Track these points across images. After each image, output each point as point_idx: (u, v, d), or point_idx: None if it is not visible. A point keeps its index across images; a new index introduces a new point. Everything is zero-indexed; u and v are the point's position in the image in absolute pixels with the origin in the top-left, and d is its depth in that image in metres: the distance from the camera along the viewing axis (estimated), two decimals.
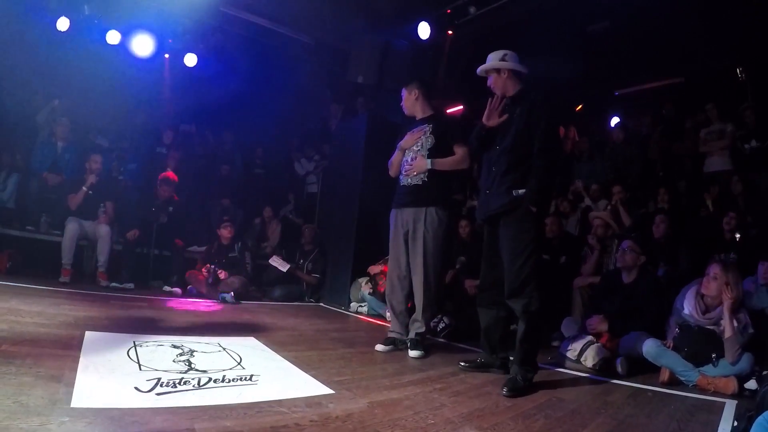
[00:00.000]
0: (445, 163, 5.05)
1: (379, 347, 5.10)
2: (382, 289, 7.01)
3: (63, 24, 9.09)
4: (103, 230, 7.62)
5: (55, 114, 9.37)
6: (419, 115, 5.34)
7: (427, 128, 5.17)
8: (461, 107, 10.81)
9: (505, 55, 4.27)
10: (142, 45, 9.78)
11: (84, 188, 7.69)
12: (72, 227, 7.43)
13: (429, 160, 5.01)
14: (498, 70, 4.27)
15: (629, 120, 10.41)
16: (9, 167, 8.25)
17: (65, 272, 7.20)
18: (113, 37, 9.60)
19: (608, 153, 9.46)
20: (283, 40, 10.46)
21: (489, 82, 4.35)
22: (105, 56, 9.68)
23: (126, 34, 9.66)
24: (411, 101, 5.37)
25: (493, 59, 4.30)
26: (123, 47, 9.74)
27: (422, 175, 5.09)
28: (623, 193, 7.50)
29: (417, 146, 5.17)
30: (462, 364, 4.42)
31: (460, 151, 5.07)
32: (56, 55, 9.30)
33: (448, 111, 10.96)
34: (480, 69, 4.37)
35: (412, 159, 5.18)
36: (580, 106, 11.64)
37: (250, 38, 10.49)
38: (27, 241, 8.00)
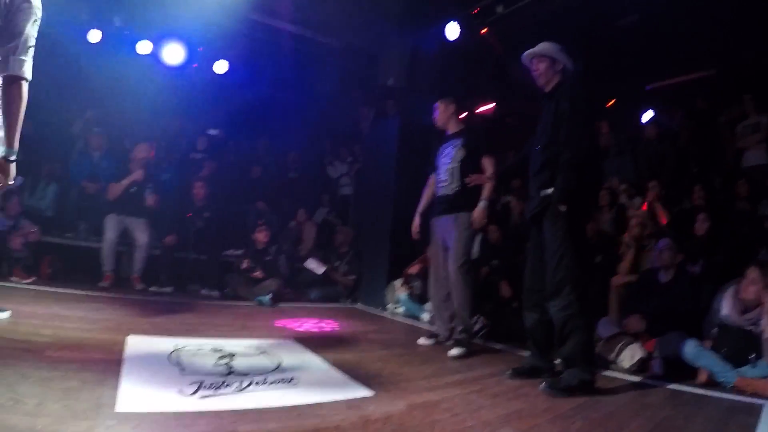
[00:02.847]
0: (487, 188, 5.21)
1: (421, 341, 5.49)
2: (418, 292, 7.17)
3: (95, 36, 9.21)
4: (141, 239, 7.72)
5: (90, 124, 9.61)
6: (452, 130, 5.59)
7: (458, 142, 5.40)
8: (493, 105, 10.78)
9: (562, 48, 4.20)
10: (173, 54, 9.84)
11: (125, 182, 7.73)
12: (111, 233, 7.55)
13: (482, 204, 5.17)
14: (554, 60, 4.18)
15: (662, 115, 10.27)
16: (48, 177, 8.43)
17: (106, 278, 7.34)
18: (144, 47, 9.69)
19: (641, 149, 9.34)
20: (312, 45, 10.47)
21: (536, 69, 4.24)
22: (136, 66, 9.80)
23: (156, 43, 9.74)
24: (446, 115, 5.60)
25: (551, 48, 4.19)
26: (154, 56, 9.83)
27: (454, 186, 5.33)
28: (659, 189, 7.39)
29: (448, 159, 5.42)
30: (509, 372, 4.22)
31: (488, 162, 5.28)
32: (88, 67, 9.40)
33: (478, 110, 10.96)
34: (533, 51, 4.23)
35: (444, 173, 5.45)
36: (611, 102, 11.52)
37: (279, 44, 10.52)
38: (66, 248, 8.15)
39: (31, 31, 2.84)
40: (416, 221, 5.86)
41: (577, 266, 3.90)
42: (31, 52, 2.84)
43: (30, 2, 2.81)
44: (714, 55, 9.18)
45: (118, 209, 7.71)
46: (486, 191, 5.17)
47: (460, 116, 5.81)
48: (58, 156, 9.01)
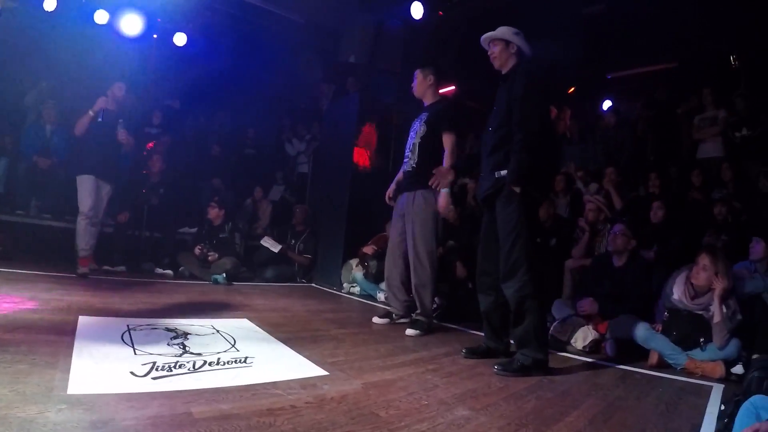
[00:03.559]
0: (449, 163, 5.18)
1: (375, 319, 5.56)
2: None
3: (50, 4, 8.98)
4: (100, 210, 6.86)
5: (43, 96, 9.28)
6: (427, 101, 5.54)
7: (424, 116, 5.37)
8: (453, 88, 10.80)
9: (518, 32, 4.21)
10: (131, 24, 9.64)
11: (91, 112, 6.59)
12: (88, 200, 6.53)
13: (445, 191, 5.10)
14: (508, 42, 4.19)
15: (621, 104, 10.41)
16: None
17: (84, 261, 6.56)
18: (101, 16, 9.48)
19: (600, 136, 9.47)
20: (275, 20, 10.39)
21: (491, 52, 4.28)
22: (93, 36, 9.58)
23: (114, 13, 9.53)
24: (425, 86, 5.53)
25: (506, 31, 4.22)
26: (111, 27, 9.61)
27: (412, 162, 5.35)
28: (615, 175, 7.50)
29: (413, 134, 5.44)
30: (464, 351, 4.31)
31: (448, 141, 5.24)
32: (44, 36, 9.17)
33: (440, 92, 10.95)
34: (489, 35, 4.26)
35: (408, 149, 5.48)
36: (572, 89, 11.62)
37: (240, 17, 10.41)
38: (17, 226, 7.95)
39: None
40: (391, 187, 5.81)
41: (531, 248, 3.94)
42: None
43: None
44: (676, 47, 9.37)
45: (97, 170, 6.64)
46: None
47: (440, 90, 5.76)
48: (8, 129, 8.75)
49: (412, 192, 5.32)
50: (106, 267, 7.32)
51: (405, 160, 5.51)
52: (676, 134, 8.86)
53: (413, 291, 5.34)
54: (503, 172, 3.94)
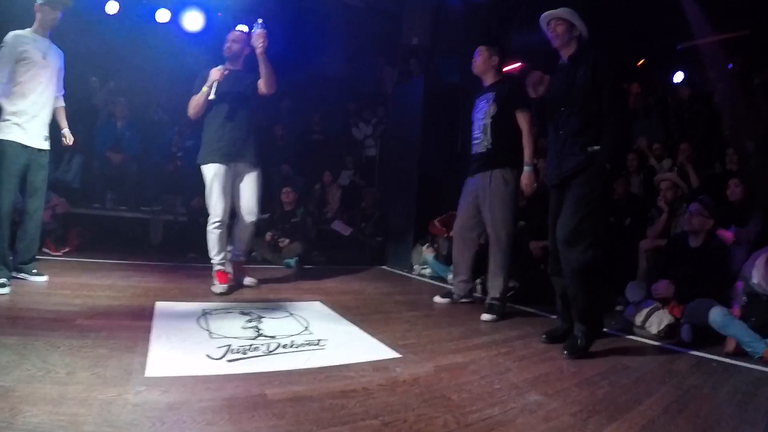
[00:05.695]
0: (528, 148, 5.06)
1: (437, 299, 5.57)
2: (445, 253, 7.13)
3: (112, 7, 9.34)
4: (251, 203, 5.38)
5: (112, 95, 9.67)
6: (489, 81, 5.37)
7: (491, 96, 5.21)
8: (520, 64, 10.64)
9: (578, 16, 4.14)
10: (193, 20, 9.95)
11: (206, 87, 5.09)
12: (221, 201, 5.13)
13: (528, 168, 5.03)
14: (572, 24, 4.12)
15: (694, 75, 10.03)
16: (72, 149, 8.51)
17: (220, 276, 5.17)
18: (163, 15, 9.83)
19: (673, 110, 9.13)
20: (333, 6, 10.42)
21: (550, 34, 4.21)
22: (156, 34, 9.95)
23: (175, 11, 9.86)
24: (488, 65, 5.35)
25: (571, 13, 4.15)
26: (173, 24, 9.94)
27: (485, 143, 5.19)
28: (690, 151, 7.24)
29: (481, 114, 5.26)
30: (544, 336, 4.25)
31: (524, 119, 5.08)
32: (108, 38, 9.55)
33: (506, 69, 10.81)
34: (554, 14, 4.18)
35: (477, 130, 5.30)
36: (641, 62, 11.29)
37: (301, 6, 10.47)
38: (94, 218, 8.27)
39: None
40: None
41: (602, 224, 3.99)
42: None
43: None
44: (749, 14, 8.91)
45: (221, 153, 5.18)
46: (527, 155, 5.02)
47: (504, 69, 5.61)
48: (81, 128, 9.07)
49: (488, 172, 5.17)
50: (191, 254, 7.49)
51: (475, 141, 5.35)
52: (752, 106, 8.44)
53: (490, 274, 5.23)
54: (596, 148, 3.90)
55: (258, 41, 5.13)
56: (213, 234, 5.18)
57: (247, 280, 5.57)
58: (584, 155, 3.94)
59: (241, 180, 5.32)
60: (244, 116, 5.29)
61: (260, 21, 5.22)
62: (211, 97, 5.11)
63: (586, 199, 3.88)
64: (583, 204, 3.89)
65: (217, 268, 5.18)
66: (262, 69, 5.20)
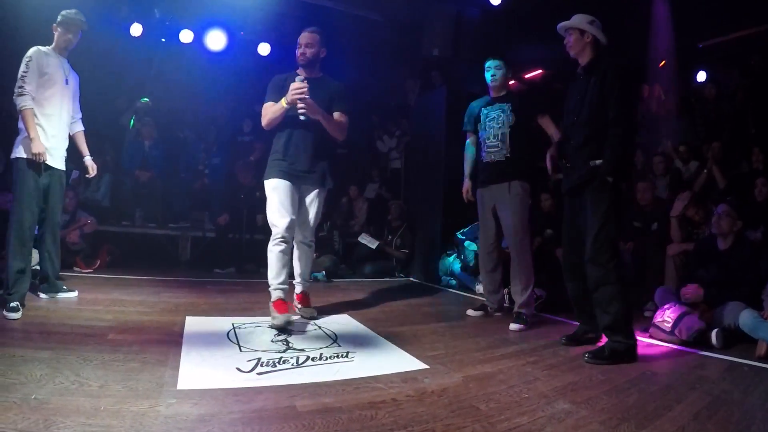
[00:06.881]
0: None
1: (470, 312, 5.54)
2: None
3: (136, 30, 9.51)
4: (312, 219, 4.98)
5: (139, 115, 9.80)
6: (496, 93, 5.41)
7: (507, 107, 5.24)
8: (540, 71, 10.63)
9: (593, 21, 4.17)
10: (215, 40, 10.10)
11: (285, 103, 4.64)
12: (284, 218, 4.60)
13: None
14: (583, 31, 4.16)
15: (717, 74, 9.89)
16: (101, 168, 8.66)
17: (279, 306, 4.41)
18: (186, 36, 9.97)
19: (699, 110, 9.01)
20: (352, 21, 10.47)
21: (567, 41, 4.26)
22: (180, 54, 10.13)
23: (198, 31, 10.00)
24: (504, 81, 5.37)
25: (581, 19, 4.19)
26: (197, 44, 10.09)
27: (504, 152, 5.20)
28: (719, 151, 7.13)
29: (497, 124, 5.27)
30: (563, 339, 4.34)
31: (548, 121, 5.17)
32: (133, 59, 9.80)
33: (527, 76, 10.80)
34: (564, 24, 4.24)
35: (493, 139, 5.29)
36: (663, 62, 11.20)
37: (320, 22, 10.54)
38: (124, 235, 8.39)
39: None
40: (467, 183, 5.72)
41: (617, 236, 4.09)
42: None
43: None
44: None
45: (283, 172, 4.78)
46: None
47: (510, 82, 5.63)
48: (109, 148, 9.22)
49: (506, 182, 5.17)
50: (217, 270, 7.64)
51: (489, 150, 5.30)
52: None
53: (514, 283, 5.23)
54: (598, 162, 3.96)
55: (295, 97, 4.50)
56: (271, 252, 4.59)
57: (303, 311, 4.96)
58: (586, 168, 4.04)
59: (305, 200, 4.88)
60: (312, 134, 4.80)
61: (300, 74, 4.94)
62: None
63: (596, 216, 3.96)
64: (594, 221, 3.97)
65: (275, 296, 4.50)
66: (324, 123, 4.69)
